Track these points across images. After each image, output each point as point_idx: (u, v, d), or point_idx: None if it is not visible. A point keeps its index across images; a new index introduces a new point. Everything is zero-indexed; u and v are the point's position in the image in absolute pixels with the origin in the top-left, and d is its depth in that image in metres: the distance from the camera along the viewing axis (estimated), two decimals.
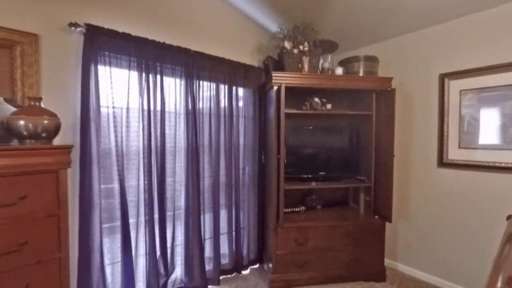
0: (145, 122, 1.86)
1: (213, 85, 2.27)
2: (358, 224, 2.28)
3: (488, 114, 2.05)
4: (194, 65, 2.11)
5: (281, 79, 2.09)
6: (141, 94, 1.85)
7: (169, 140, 2.02)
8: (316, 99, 2.38)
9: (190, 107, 2.11)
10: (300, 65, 2.20)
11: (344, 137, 2.58)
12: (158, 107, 1.94)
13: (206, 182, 2.27)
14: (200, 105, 2.19)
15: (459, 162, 2.17)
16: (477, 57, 2.08)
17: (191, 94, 2.11)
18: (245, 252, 2.55)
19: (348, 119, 2.71)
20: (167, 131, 2.00)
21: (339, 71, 2.28)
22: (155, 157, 1.92)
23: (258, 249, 2.63)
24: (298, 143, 2.47)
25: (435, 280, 2.31)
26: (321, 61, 2.29)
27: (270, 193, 2.27)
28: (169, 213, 2.05)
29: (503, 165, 1.97)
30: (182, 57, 2.04)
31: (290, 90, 2.12)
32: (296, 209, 2.48)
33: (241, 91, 2.49)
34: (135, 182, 1.86)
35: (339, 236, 2.24)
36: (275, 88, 2.11)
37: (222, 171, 2.36)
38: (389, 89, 2.25)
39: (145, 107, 1.86)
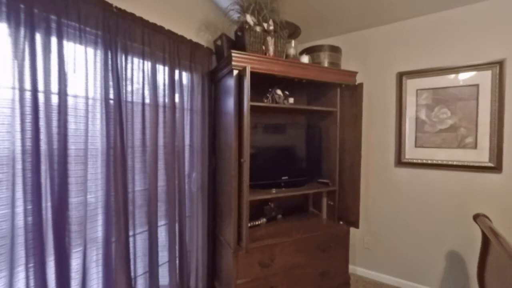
0: (27, 111, 1.12)
1: (148, 65, 1.64)
2: (325, 234, 2.03)
3: (442, 114, 2.08)
4: (118, 30, 1.45)
5: (244, 61, 1.64)
6: (18, 66, 1.10)
7: (76, 139, 1.32)
8: (279, 91, 2.03)
9: (112, 91, 1.44)
10: (264, 47, 1.79)
11: (306, 136, 2.31)
12: (54, 88, 1.22)
13: (138, 197, 1.63)
14: (128, 90, 1.54)
15: (416, 161, 2.17)
16: (433, 58, 2.10)
17: (114, 72, 1.44)
18: (192, 282, 1.99)
19: (308, 116, 2.47)
20: (71, 126, 1.29)
21: (305, 59, 1.98)
22: (47, 166, 1.19)
23: (209, 274, 2.11)
24: (256, 144, 2.06)
25: (395, 281, 2.27)
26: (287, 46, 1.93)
27: (227, 206, 1.79)
28: (76, 250, 1.34)
29: (455, 163, 2.02)
30: (98, 14, 1.35)
31: (250, 77, 1.68)
32: (257, 222, 2.07)
33: (186, 76, 1.92)
34: (8, 209, 1.10)
35: (307, 250, 1.94)
36: (235, 72, 1.65)
37: (162, 181, 1.75)
38: (355, 84, 2.07)
39: (27, 86, 1.13)
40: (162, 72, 1.74)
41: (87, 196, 1.37)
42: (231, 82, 1.69)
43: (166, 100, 1.75)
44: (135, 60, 1.57)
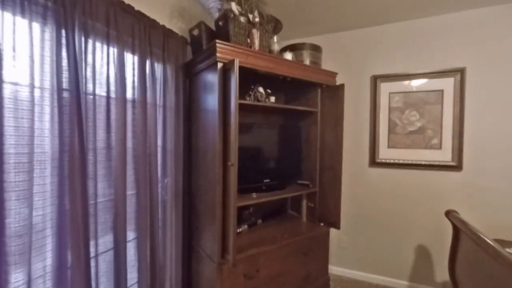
0: None
1: (114, 51, 1.37)
2: (308, 237, 1.98)
3: (412, 116, 2.21)
4: (76, 4, 1.16)
5: (230, 53, 1.48)
6: None
7: (16, 141, 1.00)
8: (261, 89, 1.91)
9: (67, 80, 1.15)
10: (248, 40, 1.65)
11: (285, 137, 2.24)
12: None
13: (101, 210, 1.34)
14: (89, 80, 1.25)
15: (389, 161, 2.27)
16: (404, 63, 2.21)
17: (70, 57, 1.15)
18: None
19: (286, 116, 2.40)
20: (9, 123, 0.98)
21: (289, 57, 1.89)
22: None
23: None
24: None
25: (370, 277, 2.35)
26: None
27: (209, 215, 1.61)
28: (17, 285, 1.03)
29: (423, 162, 2.16)
30: None
31: (229, 75, 1.52)
32: (238, 230, 1.92)
33: (158, 68, 1.67)
34: None
35: (290, 255, 1.87)
36: (220, 66, 1.47)
37: (131, 188, 1.48)
38: (336, 84, 2.07)
39: None
40: (131, 61, 1.47)
41: (32, 214, 1.06)
42: (214, 77, 1.51)
43: (136, 94, 1.49)
44: (99, 45, 1.29)
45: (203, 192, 1.69)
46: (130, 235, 1.52)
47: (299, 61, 1.96)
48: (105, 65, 1.32)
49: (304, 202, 2.26)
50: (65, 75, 1.14)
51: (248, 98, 1.85)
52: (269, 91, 1.97)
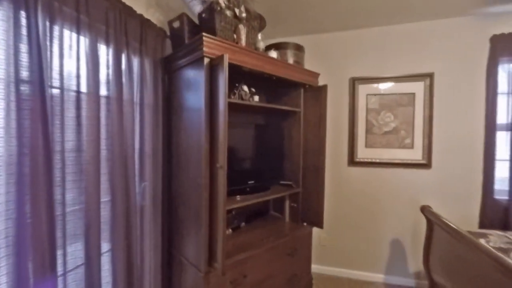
0: None
1: (86, 41, 1.20)
2: (292, 238, 1.97)
3: (387, 117, 2.32)
4: None
5: (217, 48, 1.39)
6: None
7: None
8: (245, 88, 1.85)
9: (29, 71, 0.97)
10: (235, 36, 1.58)
11: (269, 137, 2.21)
12: None
13: (71, 221, 1.17)
14: (55, 71, 1.08)
15: (366, 160, 2.36)
16: (380, 66, 2.31)
17: (32, 44, 0.98)
18: None
19: (269, 116, 2.36)
20: None
21: (274, 55, 1.86)
22: None
23: None
24: None
25: (349, 273, 2.42)
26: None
27: (194, 220, 1.50)
28: None
29: (397, 161, 2.29)
30: None
31: (218, 72, 1.43)
32: None
33: (135, 62, 1.52)
34: None
35: (277, 258, 1.84)
36: (206, 61, 1.38)
37: (105, 195, 1.32)
38: (319, 85, 2.09)
39: None
40: (105, 52, 1.31)
41: None
42: (199, 73, 1.41)
43: (111, 90, 1.33)
44: (67, 32, 1.12)
45: (187, 197, 1.58)
46: (105, 246, 1.35)
47: (283, 60, 1.93)
48: (75, 55, 1.15)
49: (287, 203, 2.25)
50: (25, 63, 0.96)
51: (232, 97, 1.78)
52: (253, 89, 1.91)
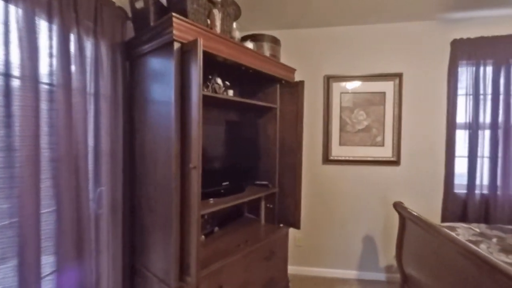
0: None
1: (19, 12, 0.95)
2: (269, 241, 1.87)
3: (360, 116, 2.35)
4: None
5: (190, 33, 1.22)
6: None
7: None
8: (219, 80, 1.70)
9: None
10: (209, 21, 1.41)
11: (244, 134, 2.08)
12: None
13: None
14: None
15: (340, 158, 2.37)
16: (354, 65, 2.33)
17: None
18: None
19: (243, 113, 2.24)
20: None
21: (250, 46, 1.74)
22: None
23: None
24: None
25: (324, 271, 2.41)
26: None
27: (162, 229, 1.31)
28: None
29: (369, 159, 2.33)
30: None
31: (190, 58, 1.26)
32: None
33: (88, 45, 1.28)
34: None
35: (254, 264, 1.72)
36: (177, 46, 1.20)
37: (48, 204, 1.07)
38: (295, 81, 2.02)
39: None
40: (47, 32, 1.06)
41: None
42: (167, 60, 1.23)
43: (56, 76, 1.09)
44: None
45: (154, 203, 1.38)
46: (47, 268, 1.10)
47: (261, 53, 1.82)
48: (2, 27, 0.90)
49: (263, 204, 2.15)
50: None
51: (205, 90, 1.61)
52: (227, 83, 1.77)
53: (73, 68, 1.18)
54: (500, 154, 2.12)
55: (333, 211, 2.40)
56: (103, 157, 1.36)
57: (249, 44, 1.73)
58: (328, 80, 2.36)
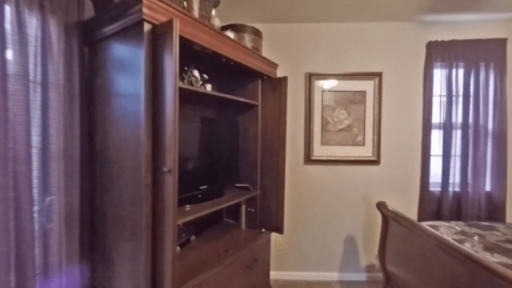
0: None
1: None
2: (252, 248, 1.74)
3: (341, 115, 2.31)
4: None
5: (163, 13, 1.04)
6: None
7: None
8: (196, 73, 1.52)
9: None
10: (185, 4, 1.23)
11: (222, 133, 1.92)
12: None
13: None
14: None
15: (322, 157, 2.31)
16: (334, 63, 2.28)
17: None
18: None
19: (221, 110, 2.07)
20: None
21: (231, 36, 1.58)
22: None
23: None
24: None
25: (307, 275, 2.34)
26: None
27: (129, 244, 1.11)
28: None
29: (351, 158, 2.30)
30: None
31: (164, 43, 1.08)
32: None
33: (33, 21, 1.03)
34: None
35: (235, 274, 1.57)
36: (147, 28, 1.01)
37: None
38: (277, 76, 1.90)
39: None
40: None
41: None
42: (136, 45, 1.03)
43: None
44: None
45: (120, 213, 1.16)
46: None
47: (244, 44, 1.67)
48: None
49: (243, 208, 2.00)
50: None
51: (181, 83, 1.42)
52: (205, 76, 1.60)
53: (9, 49, 0.93)
54: (470, 153, 2.22)
55: (315, 213, 2.34)
56: (54, 160, 1.12)
57: (230, 34, 1.58)
58: (310, 77, 2.28)
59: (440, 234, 1.29)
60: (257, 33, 1.83)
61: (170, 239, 1.00)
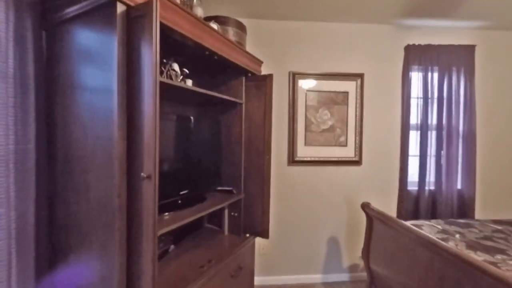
0: None
1: None
2: (236, 255, 1.64)
3: (324, 115, 2.29)
4: None
5: None
6: None
7: None
8: (176, 67, 1.38)
9: None
10: None
11: (203, 133, 1.79)
12: None
13: None
14: None
15: (306, 158, 2.27)
16: (318, 63, 2.26)
17: None
18: None
19: (202, 108, 1.94)
20: None
21: (214, 27, 1.46)
22: None
23: None
24: None
25: (290, 279, 2.29)
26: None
27: (102, 262, 0.95)
28: None
29: (334, 159, 2.29)
30: None
31: (142, 28, 0.94)
32: None
33: None
34: None
35: (219, 286, 1.46)
36: (121, 10, 0.86)
37: None
38: (261, 74, 1.82)
39: None
40: None
41: None
42: (106, 29, 0.88)
43: None
44: None
45: (86, 228, 0.99)
46: None
47: (229, 38, 1.56)
48: None
49: (226, 212, 1.89)
50: None
51: (160, 77, 1.27)
52: (186, 70, 1.46)
53: None
54: (444, 153, 2.32)
55: (298, 215, 2.29)
56: (0, 166, 0.92)
57: (214, 25, 1.46)
58: (294, 76, 2.23)
59: (428, 235, 1.29)
60: (241, 27, 1.73)
61: (149, 256, 0.86)
